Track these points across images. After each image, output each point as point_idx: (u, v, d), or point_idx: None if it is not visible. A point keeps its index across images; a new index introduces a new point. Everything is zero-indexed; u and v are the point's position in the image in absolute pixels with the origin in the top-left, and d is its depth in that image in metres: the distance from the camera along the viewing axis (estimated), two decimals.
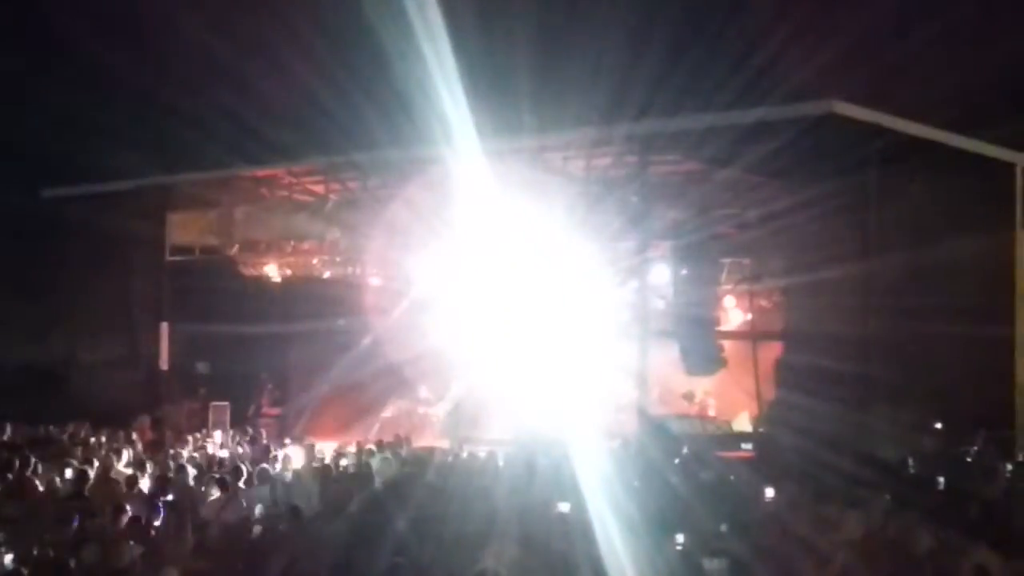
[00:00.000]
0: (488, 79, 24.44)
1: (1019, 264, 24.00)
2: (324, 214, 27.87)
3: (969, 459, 19.03)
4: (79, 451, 21.92)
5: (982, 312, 22.99)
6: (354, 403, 34.49)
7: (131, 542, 12.06)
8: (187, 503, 15.38)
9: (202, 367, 33.57)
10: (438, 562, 11.50)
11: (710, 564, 11.74)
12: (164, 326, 30.85)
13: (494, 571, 9.96)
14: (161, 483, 17.13)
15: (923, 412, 21.72)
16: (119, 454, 21.14)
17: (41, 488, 17.14)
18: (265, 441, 25.24)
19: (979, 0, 29.38)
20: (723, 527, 13.97)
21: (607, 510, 13.71)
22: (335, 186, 29.11)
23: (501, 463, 19.62)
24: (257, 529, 13.50)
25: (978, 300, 23.13)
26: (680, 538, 12.93)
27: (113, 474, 18.22)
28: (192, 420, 31.68)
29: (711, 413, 29.16)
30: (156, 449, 23.38)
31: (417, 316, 34.85)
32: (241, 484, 16.73)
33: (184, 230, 30.29)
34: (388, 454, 20.71)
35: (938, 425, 21.60)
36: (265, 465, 19.51)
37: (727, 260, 27.38)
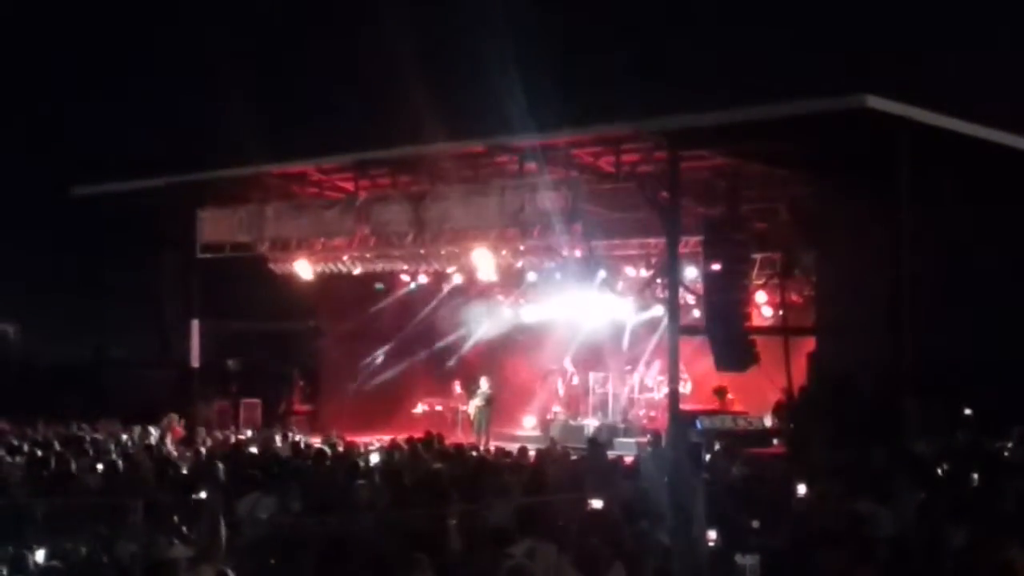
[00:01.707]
0: (518, 75, 24.41)
1: None
2: (354, 211, 27.86)
3: (1006, 453, 18.90)
4: (111, 448, 22.01)
5: (1016, 307, 22.86)
6: (385, 400, 34.61)
7: (174, 539, 12.05)
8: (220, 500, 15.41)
9: (233, 364, 33.69)
10: (469, 558, 11.47)
11: (743, 560, 11.70)
12: (195, 323, 30.93)
13: (525, 567, 9.92)
14: (192, 480, 17.18)
15: (957, 407, 21.60)
16: (150, 451, 21.22)
17: (73, 484, 17.21)
18: (296, 437, 25.28)
19: None
20: (755, 523, 13.93)
21: (639, 505, 13.69)
22: (364, 183, 29.14)
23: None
24: (288, 525, 13.51)
25: (1013, 295, 22.99)
26: (712, 534, 12.89)
27: (144, 471, 18.28)
28: (223, 417, 31.81)
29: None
30: (187, 446, 23.46)
31: (448, 312, 34.97)
32: (273, 481, 16.76)
33: (214, 227, 30.33)
34: (419, 450, 20.71)
35: (968, 411, 21.48)
36: (297, 461, 19.55)
37: (758, 255, 27.26)
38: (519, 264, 28.19)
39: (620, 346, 32.36)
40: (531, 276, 31.36)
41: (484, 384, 30.75)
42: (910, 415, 20.90)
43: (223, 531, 12.38)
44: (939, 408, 21.44)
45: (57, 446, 21.70)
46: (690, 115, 23.07)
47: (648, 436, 24.66)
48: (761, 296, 28.75)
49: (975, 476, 16.26)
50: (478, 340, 34.99)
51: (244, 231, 29.73)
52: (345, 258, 29.83)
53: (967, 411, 21.74)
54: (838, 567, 10.82)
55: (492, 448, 24.95)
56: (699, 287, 25.67)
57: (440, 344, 35.79)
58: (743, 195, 26.56)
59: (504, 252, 27.00)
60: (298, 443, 23.36)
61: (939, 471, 16.87)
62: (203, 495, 15.41)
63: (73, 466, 18.53)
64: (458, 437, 28.84)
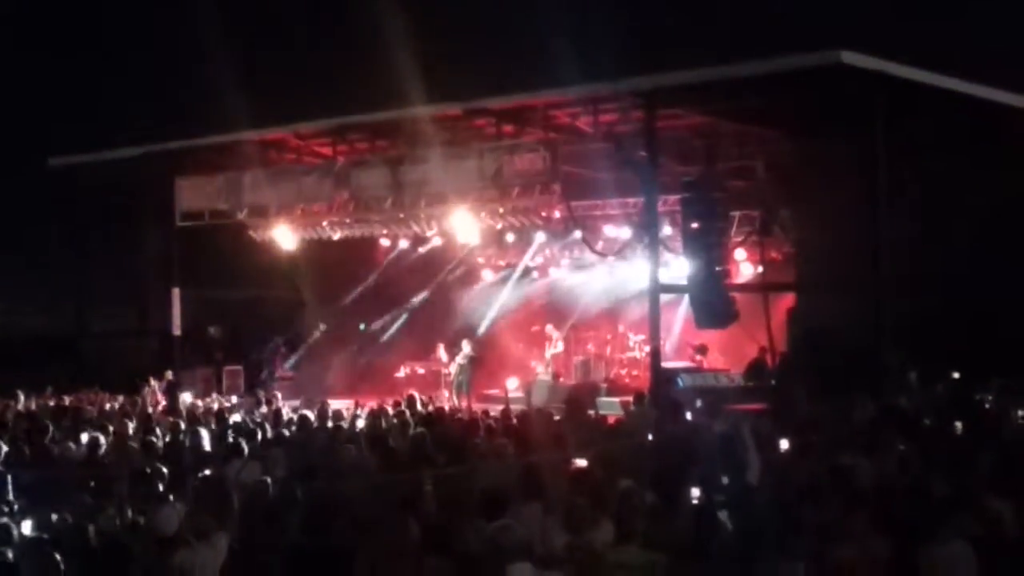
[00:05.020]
0: (492, 36, 24.36)
1: None
2: (332, 176, 27.81)
3: (986, 406, 18.99)
4: (93, 418, 21.98)
5: (995, 258, 22.96)
6: (368, 364, 34.66)
7: (176, 504, 11.92)
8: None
9: (214, 332, 33.66)
10: (457, 520, 11.50)
11: (726, 517, 11.73)
12: (175, 292, 30.88)
13: (513, 528, 9.96)
14: (176, 448, 17.19)
15: (938, 359, 21.68)
16: (133, 419, 21.19)
17: (57, 456, 17.21)
18: (280, 403, 25.27)
19: None
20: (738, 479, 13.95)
21: (625, 465, 13.73)
22: (342, 148, 29.09)
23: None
24: (273, 491, 13.51)
25: (991, 246, 23.09)
26: (695, 491, 12.93)
27: (127, 440, 18.27)
28: (206, 384, 31.80)
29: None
30: (169, 414, 23.44)
31: (430, 275, 35.02)
32: (257, 447, 16.78)
33: (193, 195, 30.26)
34: (404, 415, 20.72)
35: (956, 375, 21.55)
36: (280, 427, 19.56)
37: (737, 213, 27.29)
38: (499, 226, 28.15)
39: (602, 306, 32.45)
40: (510, 238, 31.40)
41: (466, 347, 30.75)
42: (892, 368, 21.03)
43: (234, 498, 12.36)
44: (920, 361, 21.56)
45: (40, 418, 21.66)
46: (666, 74, 23.07)
47: (631, 395, 24.72)
48: (740, 253, 28.80)
49: (958, 427, 16.38)
50: (462, 303, 35.07)
51: (222, 199, 29.69)
52: (324, 224, 29.76)
53: (955, 375, 21.81)
54: (822, 521, 10.88)
55: (475, 410, 25.01)
56: (679, 245, 25.70)
57: (422, 307, 35.84)
58: (720, 153, 26.59)
59: (483, 215, 26.95)
60: (280, 409, 23.36)
61: (922, 423, 16.97)
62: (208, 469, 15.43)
63: (56, 437, 18.53)
64: (441, 400, 28.86)
